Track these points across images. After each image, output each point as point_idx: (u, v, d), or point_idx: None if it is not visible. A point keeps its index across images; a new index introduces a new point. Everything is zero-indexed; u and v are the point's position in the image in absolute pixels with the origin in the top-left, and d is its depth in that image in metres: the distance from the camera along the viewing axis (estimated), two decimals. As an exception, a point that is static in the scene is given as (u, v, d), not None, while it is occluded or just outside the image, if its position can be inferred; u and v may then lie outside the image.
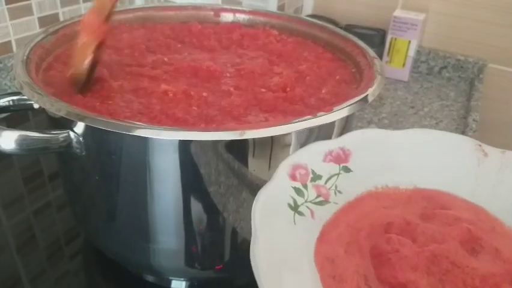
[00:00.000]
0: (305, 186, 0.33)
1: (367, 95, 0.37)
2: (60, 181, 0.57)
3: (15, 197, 0.55)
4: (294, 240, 0.30)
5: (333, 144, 0.35)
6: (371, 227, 0.32)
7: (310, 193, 0.33)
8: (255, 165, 0.35)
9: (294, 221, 0.30)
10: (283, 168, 0.32)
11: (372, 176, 0.36)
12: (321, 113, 0.34)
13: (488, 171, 0.35)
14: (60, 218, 0.52)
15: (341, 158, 0.35)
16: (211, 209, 0.36)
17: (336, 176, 0.34)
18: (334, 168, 0.34)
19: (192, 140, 0.32)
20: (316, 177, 0.33)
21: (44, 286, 0.44)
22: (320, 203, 0.33)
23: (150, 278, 0.44)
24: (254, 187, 0.36)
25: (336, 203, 0.33)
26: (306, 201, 0.32)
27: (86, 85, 0.39)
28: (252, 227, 0.28)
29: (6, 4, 0.70)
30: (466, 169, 0.36)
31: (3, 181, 0.58)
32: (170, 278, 0.44)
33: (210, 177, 0.34)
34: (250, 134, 0.31)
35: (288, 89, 0.41)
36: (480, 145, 0.37)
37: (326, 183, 0.34)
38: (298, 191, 0.32)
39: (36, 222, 0.51)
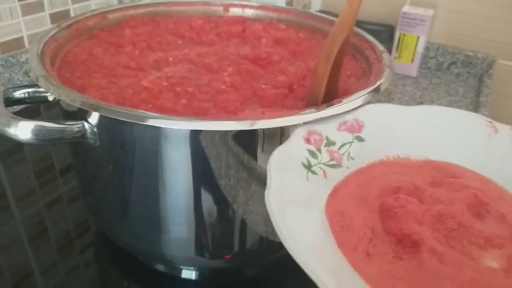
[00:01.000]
0: (319, 150, 0.34)
1: (377, 87, 0.37)
2: (71, 175, 0.58)
3: (27, 191, 0.56)
4: (306, 192, 0.31)
5: (348, 115, 0.36)
6: (381, 189, 0.33)
7: (324, 156, 0.34)
8: (264, 157, 0.35)
9: (307, 178, 0.32)
10: (299, 132, 0.34)
11: (385, 147, 0.37)
12: (331, 104, 0.34)
13: (498, 146, 0.37)
14: (71, 211, 0.53)
15: (354, 128, 0.36)
16: (221, 199, 0.37)
17: (349, 144, 0.36)
18: (347, 136, 0.36)
19: (202, 130, 0.33)
20: (330, 143, 0.35)
21: (56, 278, 0.44)
22: (333, 166, 0.34)
23: (161, 267, 0.45)
24: (263, 178, 0.36)
25: (348, 168, 0.35)
26: (319, 163, 0.33)
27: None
28: (267, 177, 0.29)
29: (18, 1, 0.71)
30: (476, 144, 0.37)
31: (15, 175, 0.59)
32: (181, 267, 0.45)
33: (220, 167, 0.35)
34: (261, 124, 0.31)
35: (294, 86, 0.41)
36: (491, 121, 0.38)
37: (339, 149, 0.35)
38: (312, 153, 0.33)
39: (48, 215, 0.52)
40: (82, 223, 0.51)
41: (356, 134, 0.36)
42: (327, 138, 0.35)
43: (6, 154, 0.61)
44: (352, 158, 0.35)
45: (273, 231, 0.39)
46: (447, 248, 0.28)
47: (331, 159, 0.34)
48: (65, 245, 0.48)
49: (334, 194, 0.32)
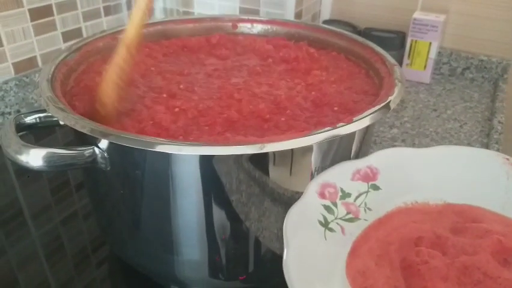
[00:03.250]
0: (334, 204, 0.33)
1: (388, 103, 0.37)
2: (86, 191, 0.59)
3: (43, 207, 0.56)
4: (325, 254, 0.30)
5: (360, 163, 0.36)
6: (401, 241, 0.32)
7: (340, 210, 0.33)
8: (276, 174, 0.35)
9: (325, 237, 0.31)
10: (313, 187, 0.33)
11: (401, 193, 0.36)
12: (341, 123, 0.34)
13: None
14: (87, 227, 0.53)
15: (369, 177, 0.35)
16: (233, 220, 0.37)
17: (365, 194, 0.35)
18: (363, 186, 0.35)
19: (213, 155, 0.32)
20: (345, 195, 0.34)
21: (73, 294, 0.45)
22: (350, 220, 0.33)
23: (175, 288, 0.45)
24: (276, 196, 0.36)
25: (366, 220, 0.34)
26: (336, 218, 0.33)
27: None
28: (284, 240, 0.29)
29: (31, 21, 0.72)
30: (495, 183, 0.36)
31: (31, 192, 0.60)
32: (195, 288, 0.44)
33: (232, 189, 0.35)
34: (270, 147, 0.31)
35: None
36: (508, 158, 0.37)
37: (355, 200, 0.34)
38: (328, 208, 0.33)
39: (63, 231, 0.53)
40: (97, 238, 0.51)
41: (371, 183, 0.35)
42: (341, 190, 0.34)
43: (22, 171, 0.62)
44: (369, 209, 0.35)
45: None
46: None
47: (348, 213, 0.34)
48: (82, 260, 0.48)
49: (353, 252, 0.32)
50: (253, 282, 0.42)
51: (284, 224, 0.30)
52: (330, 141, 0.35)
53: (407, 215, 0.35)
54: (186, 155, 0.32)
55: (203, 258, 0.39)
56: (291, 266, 0.27)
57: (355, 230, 0.33)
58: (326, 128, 0.33)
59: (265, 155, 0.34)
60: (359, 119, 0.34)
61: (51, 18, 0.76)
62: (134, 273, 0.45)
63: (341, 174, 0.35)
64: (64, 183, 0.61)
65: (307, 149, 0.35)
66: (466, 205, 0.36)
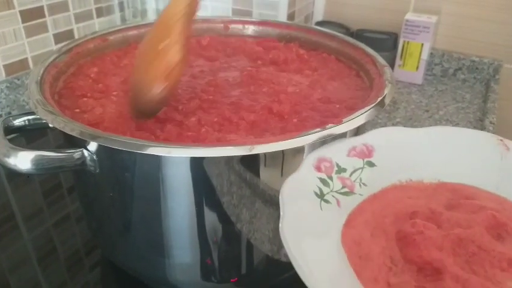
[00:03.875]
0: (330, 177, 0.34)
1: (377, 104, 0.37)
2: (77, 194, 0.58)
3: (35, 210, 0.56)
4: (321, 222, 0.31)
5: (356, 140, 0.36)
6: (396, 215, 0.32)
7: (336, 184, 0.34)
8: (267, 176, 0.35)
9: (321, 207, 0.32)
10: (309, 160, 0.33)
11: (396, 171, 0.36)
12: (330, 124, 0.34)
13: (511, 164, 0.36)
14: (79, 230, 0.53)
15: (364, 153, 0.36)
16: (224, 222, 0.36)
17: (361, 170, 0.35)
18: (358, 162, 0.35)
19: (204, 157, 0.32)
20: (340, 169, 0.34)
21: (66, 298, 0.44)
22: (346, 194, 0.34)
23: (167, 291, 0.45)
24: (267, 197, 0.36)
25: (361, 195, 0.34)
26: (331, 191, 0.33)
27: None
28: (280, 207, 0.29)
29: (22, 22, 0.72)
30: (489, 163, 0.37)
31: (23, 195, 0.59)
32: (186, 291, 0.44)
33: (223, 191, 0.35)
34: (260, 149, 0.31)
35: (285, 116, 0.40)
36: (502, 139, 0.37)
37: (350, 175, 0.35)
38: (324, 181, 0.33)
39: (56, 234, 0.52)
40: (90, 241, 0.51)
41: (366, 159, 0.36)
42: (337, 165, 0.34)
43: (13, 174, 0.62)
44: (364, 184, 0.35)
45: (279, 250, 0.39)
46: (470, 274, 0.27)
47: (343, 187, 0.34)
48: (74, 263, 0.48)
49: (349, 223, 0.32)
50: (246, 285, 0.42)
51: (280, 192, 0.30)
52: (321, 143, 0.35)
53: (402, 192, 0.35)
54: (176, 157, 0.32)
55: (194, 260, 0.38)
56: (287, 232, 0.27)
57: (350, 203, 0.33)
58: (316, 130, 0.33)
59: (256, 156, 0.34)
60: (349, 120, 0.34)
61: (42, 19, 0.75)
62: (126, 276, 0.45)
63: (337, 150, 0.35)
64: (56, 186, 0.61)
65: (298, 150, 0.35)
66: (460, 184, 0.36)
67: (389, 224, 0.31)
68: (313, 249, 0.27)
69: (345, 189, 0.34)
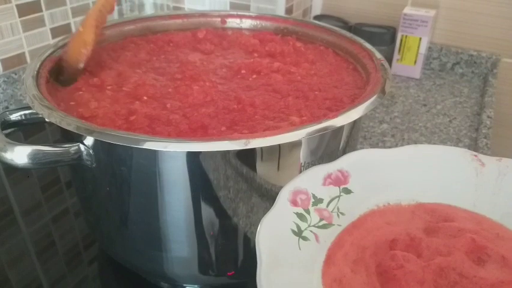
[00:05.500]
0: (307, 211, 0.33)
1: (374, 99, 0.37)
2: (74, 188, 0.58)
3: (34, 205, 0.56)
4: (300, 265, 0.30)
5: (331, 167, 0.36)
6: (376, 244, 0.32)
7: (313, 217, 0.33)
8: (264, 170, 0.35)
9: (299, 247, 0.31)
10: (284, 195, 0.33)
11: (373, 195, 0.36)
12: (326, 118, 0.34)
13: (487, 180, 0.36)
14: (77, 224, 0.53)
15: (340, 180, 0.35)
16: (221, 216, 0.37)
17: (337, 199, 0.35)
18: (334, 190, 0.35)
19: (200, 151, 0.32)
20: (317, 201, 0.34)
21: (65, 291, 0.44)
22: (324, 226, 0.33)
23: (165, 285, 0.45)
24: (264, 191, 0.36)
25: (340, 225, 0.34)
26: (309, 226, 0.33)
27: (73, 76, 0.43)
28: (257, 254, 0.28)
29: (19, 17, 0.72)
30: (465, 180, 0.36)
31: (21, 189, 0.59)
32: (184, 284, 0.44)
33: (219, 185, 0.35)
34: (255, 143, 0.31)
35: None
36: (476, 155, 0.37)
37: (327, 206, 0.34)
38: (300, 216, 0.33)
39: (54, 228, 0.53)
40: (89, 235, 0.51)
41: (342, 186, 0.35)
42: (313, 196, 0.34)
43: (11, 169, 0.62)
44: (342, 214, 0.34)
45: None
46: None
47: (321, 219, 0.33)
48: (73, 257, 0.48)
49: (329, 259, 0.31)
50: (242, 278, 0.42)
51: (256, 236, 0.29)
52: (317, 136, 0.35)
53: (381, 217, 0.35)
54: (172, 151, 0.32)
55: (192, 254, 0.39)
56: (265, 280, 0.26)
57: (329, 236, 0.33)
58: (312, 123, 0.33)
59: (253, 150, 0.34)
60: (345, 114, 0.35)
61: (39, 14, 0.75)
62: (124, 270, 0.45)
63: (312, 179, 0.34)
64: (55, 181, 0.61)
65: (295, 144, 0.35)
66: (437, 204, 0.36)
67: (369, 256, 0.31)
68: None
69: (323, 222, 0.33)
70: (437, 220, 0.34)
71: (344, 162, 0.36)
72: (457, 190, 0.36)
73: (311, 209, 0.33)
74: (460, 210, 0.35)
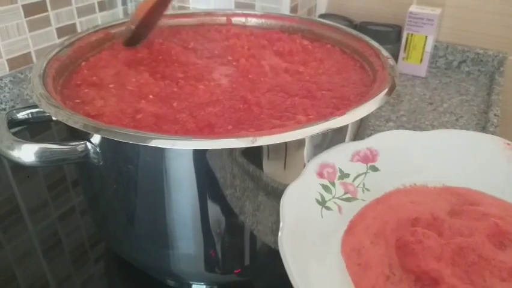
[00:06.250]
0: (333, 183, 0.33)
1: (380, 97, 0.37)
2: (80, 186, 0.58)
3: (40, 203, 0.56)
4: (321, 231, 0.30)
5: (360, 144, 0.36)
6: (398, 220, 0.32)
7: (338, 190, 0.33)
8: (270, 168, 0.35)
9: (322, 215, 0.31)
10: (311, 167, 0.33)
11: (400, 175, 0.36)
12: (333, 116, 0.34)
13: None
14: (84, 222, 0.54)
15: (368, 158, 0.35)
16: (227, 214, 0.36)
17: (364, 175, 0.35)
18: (361, 167, 0.35)
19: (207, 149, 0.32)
20: (343, 175, 0.34)
21: (71, 290, 0.45)
22: (348, 199, 0.34)
23: (171, 283, 0.45)
24: (270, 190, 0.36)
25: (364, 200, 0.34)
26: (333, 197, 0.33)
27: (133, 40, 0.48)
28: (280, 217, 0.29)
29: (25, 17, 0.72)
30: (495, 168, 0.36)
31: (28, 188, 0.60)
32: (191, 282, 0.44)
33: (226, 183, 0.35)
34: (262, 141, 0.31)
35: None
36: (509, 143, 0.37)
37: (353, 181, 0.35)
38: (325, 187, 0.33)
39: (61, 227, 0.53)
40: (95, 234, 0.51)
41: (370, 164, 0.35)
42: (340, 170, 0.34)
43: (18, 167, 0.62)
44: (367, 189, 0.34)
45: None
46: (468, 285, 0.27)
47: (345, 192, 0.34)
48: (79, 256, 0.49)
49: (350, 230, 0.32)
50: (249, 276, 0.42)
51: (281, 201, 0.30)
52: (324, 134, 0.35)
53: (406, 196, 0.35)
54: (179, 149, 0.32)
55: (198, 252, 0.39)
56: (286, 242, 0.27)
57: (352, 209, 0.33)
58: (318, 121, 0.33)
59: (259, 148, 0.34)
60: (352, 112, 0.34)
61: (45, 13, 0.75)
62: (131, 268, 0.46)
63: (340, 154, 0.35)
64: (61, 179, 0.61)
65: (301, 142, 0.35)
66: (464, 188, 0.36)
67: (390, 230, 0.31)
68: (312, 264, 0.27)
69: (348, 195, 0.34)
70: (462, 203, 0.34)
71: (374, 141, 0.36)
72: (487, 177, 0.36)
73: (337, 182, 0.34)
74: (487, 196, 0.35)
